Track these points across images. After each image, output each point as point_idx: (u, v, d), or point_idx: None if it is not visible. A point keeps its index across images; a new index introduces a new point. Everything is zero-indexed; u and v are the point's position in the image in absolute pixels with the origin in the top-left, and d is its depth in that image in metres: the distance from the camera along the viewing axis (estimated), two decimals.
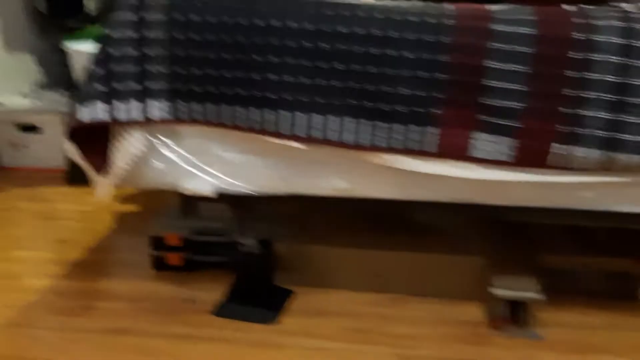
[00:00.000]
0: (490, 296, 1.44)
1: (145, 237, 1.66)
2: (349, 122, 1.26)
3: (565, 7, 1.25)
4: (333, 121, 1.26)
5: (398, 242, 1.60)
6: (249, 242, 1.51)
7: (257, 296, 1.55)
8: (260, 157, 1.34)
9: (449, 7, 1.22)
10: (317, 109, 1.25)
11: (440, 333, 1.42)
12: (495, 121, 1.21)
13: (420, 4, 1.28)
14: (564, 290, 1.56)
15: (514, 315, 1.43)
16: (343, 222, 1.72)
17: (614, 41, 1.15)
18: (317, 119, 1.26)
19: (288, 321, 1.47)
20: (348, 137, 1.26)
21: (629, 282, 1.55)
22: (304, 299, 1.55)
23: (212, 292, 1.55)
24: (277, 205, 1.54)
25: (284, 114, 1.26)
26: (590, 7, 1.22)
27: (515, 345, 1.37)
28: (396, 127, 1.24)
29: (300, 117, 1.26)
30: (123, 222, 2.02)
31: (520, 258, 1.54)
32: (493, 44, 1.18)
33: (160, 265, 1.65)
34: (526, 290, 1.41)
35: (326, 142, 1.26)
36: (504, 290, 1.41)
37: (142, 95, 1.29)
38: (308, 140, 1.27)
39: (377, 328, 1.44)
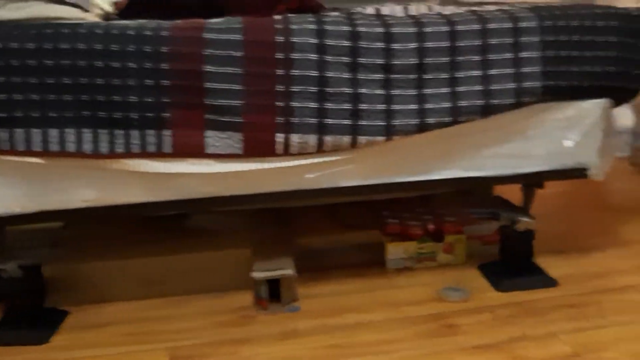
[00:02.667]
0: (253, 281, 1.57)
1: None
2: (87, 133, 1.32)
3: (275, 17, 1.44)
4: (70, 133, 1.31)
5: (169, 248, 1.69)
6: (9, 268, 1.49)
7: (28, 320, 1.53)
8: (1, 176, 1.34)
9: (165, 23, 1.34)
10: (51, 123, 1.30)
11: (212, 322, 1.52)
12: (221, 119, 1.35)
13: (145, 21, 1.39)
14: (322, 266, 1.76)
15: (276, 294, 1.58)
16: (113, 234, 1.77)
17: (309, 41, 1.34)
18: (53, 132, 1.30)
19: (61, 338, 1.48)
20: (87, 147, 1.32)
21: (377, 249, 1.78)
22: (78, 316, 1.56)
23: None
24: (38, 225, 1.55)
25: (18, 131, 1.29)
26: (292, 15, 1.42)
27: (277, 320, 1.51)
28: (132, 132, 1.33)
29: (36, 132, 1.30)
30: None
31: (279, 242, 1.71)
32: (207, 50, 1.32)
33: None
34: (280, 269, 1.56)
35: (64, 153, 1.31)
36: (262, 272, 1.56)
37: None
38: (46, 154, 1.31)
39: (151, 329, 1.50)
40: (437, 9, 1.82)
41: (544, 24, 1.42)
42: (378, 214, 1.86)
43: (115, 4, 1.86)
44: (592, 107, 1.49)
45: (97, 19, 1.43)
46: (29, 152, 1.31)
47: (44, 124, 1.30)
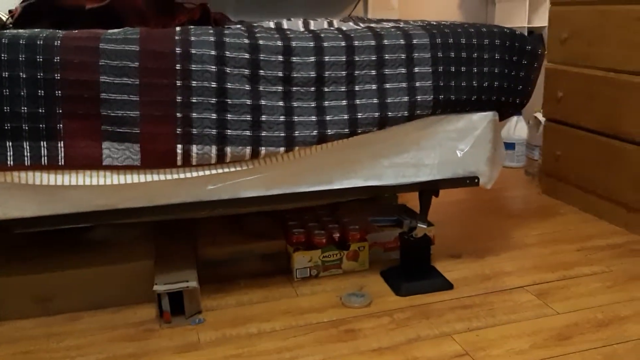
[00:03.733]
0: (156, 294, 1.55)
1: None
2: None
3: (175, 28, 1.44)
4: None
5: (65, 262, 1.63)
6: None
7: None
8: None
9: (59, 32, 1.31)
10: None
11: (109, 337, 1.49)
12: (118, 130, 1.32)
13: (37, 30, 1.35)
14: (227, 276, 1.76)
15: (179, 307, 1.56)
16: (7, 250, 1.69)
17: (209, 53, 1.35)
18: None
19: None
20: None
21: (283, 259, 1.80)
22: None
23: None
24: None
25: None
26: (191, 27, 1.42)
27: (179, 333, 1.50)
28: (23, 144, 1.28)
29: None
30: None
31: (181, 254, 1.70)
32: (102, 60, 1.29)
33: None
34: (182, 281, 1.55)
35: None
36: (164, 285, 1.54)
37: None
38: None
39: (44, 347, 1.45)
40: (337, 24, 1.88)
41: (435, 41, 1.50)
42: (283, 223, 1.88)
43: (10, 12, 1.80)
44: (480, 120, 1.58)
45: None
46: None
47: None
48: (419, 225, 1.67)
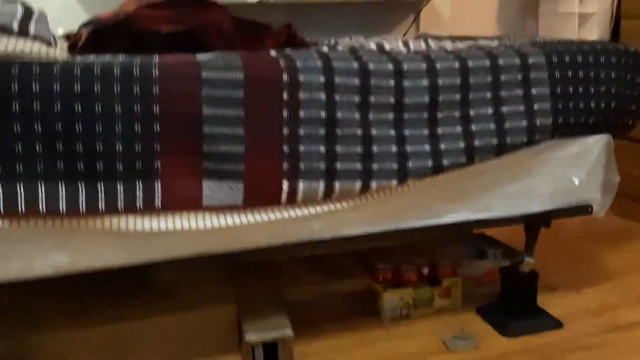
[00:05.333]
0: (244, 343, 1.40)
1: None
2: (60, 187, 1.11)
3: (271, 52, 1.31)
4: (40, 190, 1.10)
5: (137, 310, 1.47)
6: None
7: None
8: None
9: (154, 58, 1.17)
10: (16, 178, 1.08)
11: None
12: (221, 167, 1.18)
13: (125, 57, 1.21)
14: (314, 319, 1.61)
15: (272, 356, 1.41)
16: (63, 297, 1.52)
17: (318, 79, 1.22)
18: (18, 189, 1.09)
19: None
20: (61, 205, 1.11)
21: (369, 298, 1.66)
22: None
23: None
24: None
25: None
26: (293, 49, 1.29)
27: None
28: (116, 185, 1.14)
29: None
30: None
31: (268, 298, 1.54)
32: (205, 90, 1.15)
33: None
34: (277, 329, 1.40)
35: (33, 213, 1.10)
36: (255, 333, 1.39)
37: None
38: (8, 215, 1.09)
39: None
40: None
41: (551, 60, 1.37)
42: (365, 259, 1.74)
43: (68, 37, 1.65)
44: (595, 143, 1.46)
45: (64, 55, 1.23)
46: None
47: (7, 180, 1.08)
48: (526, 259, 1.53)
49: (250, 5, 2.24)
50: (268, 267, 1.69)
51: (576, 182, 1.45)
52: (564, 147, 1.44)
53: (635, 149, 2.23)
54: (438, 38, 1.94)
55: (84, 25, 1.64)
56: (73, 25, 2.17)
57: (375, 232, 1.36)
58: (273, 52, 1.27)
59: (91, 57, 1.18)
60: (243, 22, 1.46)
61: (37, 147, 1.09)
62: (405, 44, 1.76)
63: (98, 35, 1.48)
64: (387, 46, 1.59)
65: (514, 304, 1.58)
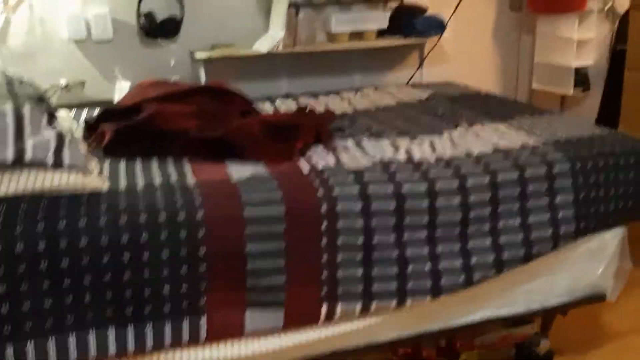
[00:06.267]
0: None
1: None
2: (110, 332, 1.13)
3: (302, 166, 1.32)
4: (91, 337, 1.12)
5: None
6: None
7: None
8: None
9: (194, 185, 1.18)
10: (68, 330, 1.10)
11: None
12: (263, 298, 1.21)
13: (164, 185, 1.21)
14: None
15: None
16: None
17: (355, 207, 1.24)
18: (70, 340, 1.10)
19: None
20: (111, 348, 1.14)
21: None
22: None
23: None
24: None
25: (28, 346, 1.08)
26: (329, 169, 1.30)
27: None
28: (163, 325, 1.16)
29: (50, 343, 1.09)
30: None
31: None
32: (249, 229, 1.17)
33: None
34: None
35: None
36: None
37: None
38: None
39: None
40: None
41: (576, 167, 1.41)
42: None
43: (87, 123, 1.63)
44: (612, 238, 1.51)
45: (99, 182, 1.22)
46: None
47: (59, 332, 1.10)
48: (542, 342, 1.60)
49: (260, 55, 2.22)
50: None
51: (593, 276, 1.50)
52: (582, 244, 1.49)
53: None
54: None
55: (104, 115, 1.62)
56: (75, 75, 2.15)
57: (405, 336, 1.41)
58: (307, 170, 1.29)
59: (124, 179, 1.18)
60: (272, 126, 1.46)
61: (87, 297, 1.10)
62: (432, 145, 1.54)
63: (122, 133, 1.47)
64: (416, 155, 1.50)
65: None
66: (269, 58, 2.30)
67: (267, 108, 1.96)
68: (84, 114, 1.87)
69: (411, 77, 2.53)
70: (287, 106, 1.98)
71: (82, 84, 2.17)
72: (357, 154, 1.43)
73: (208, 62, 2.22)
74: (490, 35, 3.02)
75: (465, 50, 2.86)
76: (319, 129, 1.53)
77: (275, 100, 2.06)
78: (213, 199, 1.19)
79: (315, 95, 2.13)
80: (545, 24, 2.94)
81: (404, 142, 1.53)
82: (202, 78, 2.24)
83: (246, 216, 1.18)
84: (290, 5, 2.25)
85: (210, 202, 1.18)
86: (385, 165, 1.36)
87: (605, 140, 1.51)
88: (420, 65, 2.55)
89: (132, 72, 2.24)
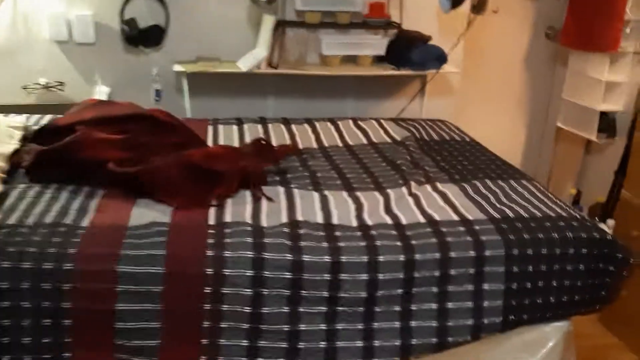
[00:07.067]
0: None
1: None
2: None
3: (210, 216, 1.24)
4: None
5: None
6: None
7: None
8: None
9: (88, 227, 1.13)
10: None
11: None
12: (134, 359, 1.14)
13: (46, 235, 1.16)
14: None
15: None
16: None
17: (244, 274, 1.15)
18: None
19: None
20: None
21: None
22: None
23: None
24: None
25: None
26: (227, 231, 1.22)
27: None
28: None
29: None
30: None
31: None
32: (120, 286, 1.10)
33: None
34: None
35: None
36: None
37: None
38: None
39: None
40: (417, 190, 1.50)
41: (511, 252, 1.27)
42: None
43: (25, 138, 1.60)
44: (554, 331, 1.36)
45: None
46: None
47: None
48: None
49: (241, 73, 2.13)
50: None
51: None
52: (519, 334, 1.34)
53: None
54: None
55: (43, 132, 1.58)
56: (56, 75, 2.13)
57: None
58: (213, 221, 1.21)
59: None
60: (196, 169, 1.38)
61: None
62: (359, 208, 1.38)
63: (43, 157, 1.43)
64: (334, 218, 1.38)
65: None
66: (256, 76, 2.21)
67: (233, 129, 1.90)
68: (47, 119, 1.85)
69: (401, 111, 2.37)
70: (253, 131, 1.90)
71: (62, 84, 2.14)
72: (273, 208, 1.34)
73: (191, 74, 2.15)
74: (521, 63, 2.83)
75: (484, 80, 2.68)
76: (254, 172, 1.44)
77: (243, 123, 1.98)
78: (92, 247, 1.13)
79: (287, 122, 2.03)
80: (577, 60, 2.72)
81: (336, 198, 1.42)
82: (185, 89, 2.18)
83: (120, 271, 1.11)
84: (279, 24, 2.15)
85: (87, 252, 1.11)
86: (294, 226, 1.25)
87: (560, 224, 1.34)
88: (413, 98, 2.39)
89: (113, 77, 2.20)
